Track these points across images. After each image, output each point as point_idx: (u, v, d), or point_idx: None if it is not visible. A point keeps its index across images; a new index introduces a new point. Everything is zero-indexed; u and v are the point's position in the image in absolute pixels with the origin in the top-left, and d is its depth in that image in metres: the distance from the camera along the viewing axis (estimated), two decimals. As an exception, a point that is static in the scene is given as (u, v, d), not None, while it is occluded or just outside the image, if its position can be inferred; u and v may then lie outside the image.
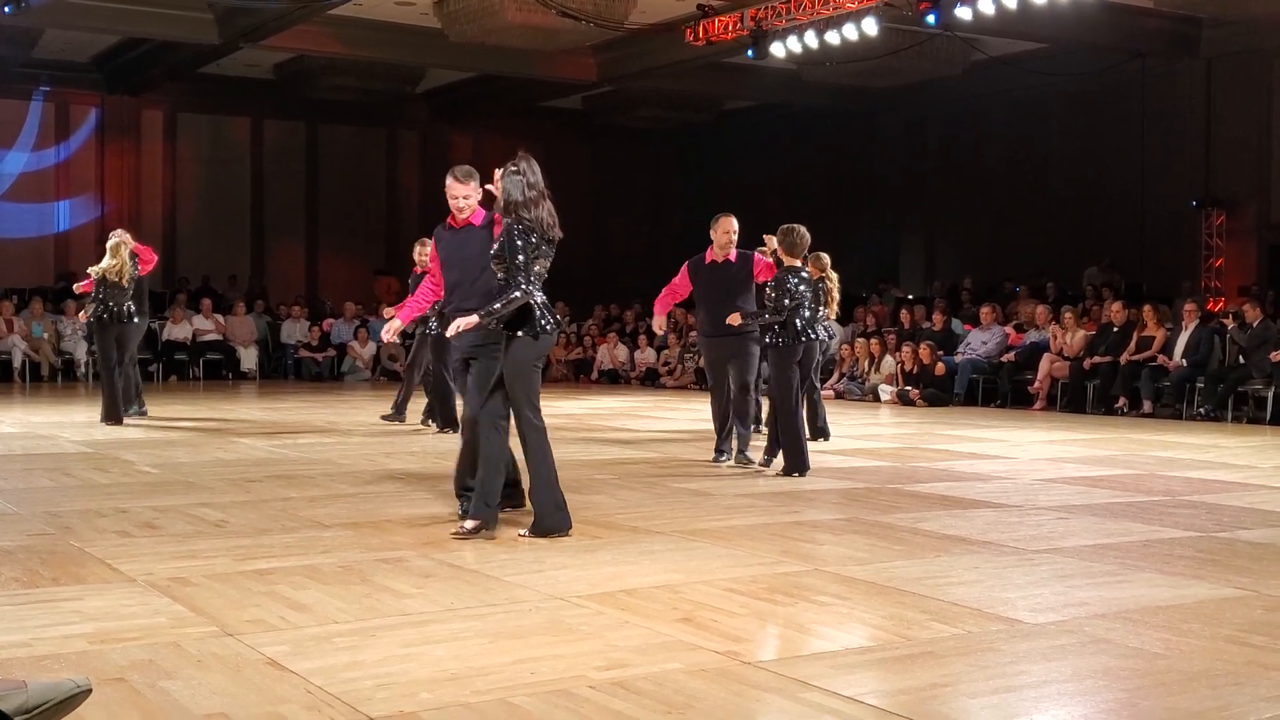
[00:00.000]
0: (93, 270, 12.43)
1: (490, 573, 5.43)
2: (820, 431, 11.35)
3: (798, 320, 8.92)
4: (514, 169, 6.22)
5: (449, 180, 6.91)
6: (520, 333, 6.20)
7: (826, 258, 11.05)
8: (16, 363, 19.66)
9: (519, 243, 6.14)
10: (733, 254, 9.46)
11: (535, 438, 6.25)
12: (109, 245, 12.43)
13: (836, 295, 11.30)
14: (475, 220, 6.89)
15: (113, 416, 12.32)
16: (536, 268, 6.19)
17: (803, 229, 8.97)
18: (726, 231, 9.42)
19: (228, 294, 23.67)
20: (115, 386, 12.40)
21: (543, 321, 6.22)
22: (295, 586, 5.11)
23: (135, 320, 12.61)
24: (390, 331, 7.42)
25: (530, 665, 4.02)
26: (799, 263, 9.04)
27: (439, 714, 3.54)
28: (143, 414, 13.05)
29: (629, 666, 4.02)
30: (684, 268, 9.74)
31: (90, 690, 3.38)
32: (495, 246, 6.24)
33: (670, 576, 5.39)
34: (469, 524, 6.26)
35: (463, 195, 6.85)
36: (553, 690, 3.76)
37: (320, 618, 4.61)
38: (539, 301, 6.23)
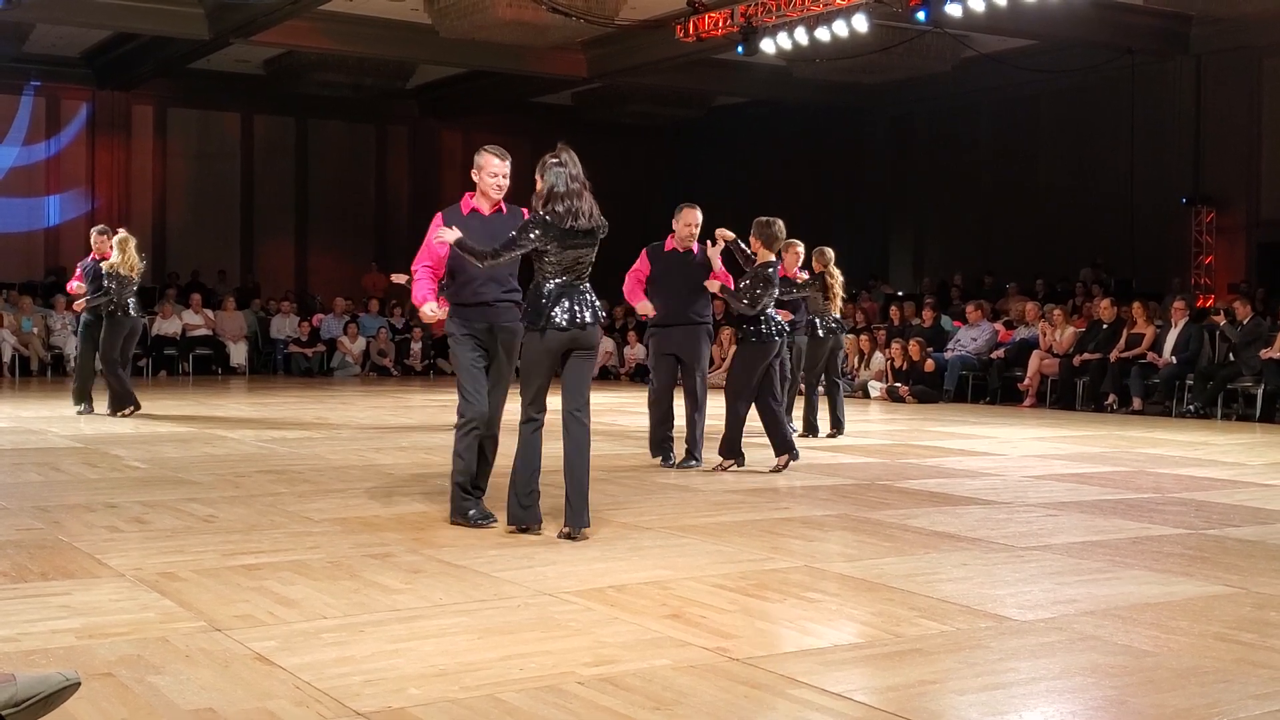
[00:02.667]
0: (105, 267, 12.47)
1: (479, 568, 5.42)
2: (837, 423, 11.45)
3: (773, 318, 8.63)
4: (556, 160, 6.13)
5: (488, 158, 6.54)
6: (530, 326, 6.18)
7: (830, 252, 11.00)
8: (6, 357, 19.64)
9: (528, 232, 6.08)
10: (694, 246, 9.16)
11: (525, 433, 6.23)
12: (115, 241, 12.52)
13: (840, 290, 11.27)
14: (503, 207, 6.67)
15: (123, 404, 12.47)
16: (554, 258, 6.13)
17: (779, 221, 8.69)
18: (688, 224, 9.13)
19: (217, 289, 23.64)
20: (122, 378, 12.60)
21: (553, 315, 6.13)
22: (284, 582, 5.10)
23: (138, 315, 12.95)
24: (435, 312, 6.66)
25: (519, 661, 4.01)
26: (774, 256, 8.73)
27: (427, 710, 3.54)
28: (90, 412, 12.91)
29: (618, 663, 4.02)
30: (643, 253, 9.34)
31: (79, 684, 3.38)
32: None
33: (659, 573, 5.39)
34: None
35: (504, 174, 6.58)
36: (541, 686, 3.75)
37: (309, 613, 4.60)
38: (549, 293, 6.14)
